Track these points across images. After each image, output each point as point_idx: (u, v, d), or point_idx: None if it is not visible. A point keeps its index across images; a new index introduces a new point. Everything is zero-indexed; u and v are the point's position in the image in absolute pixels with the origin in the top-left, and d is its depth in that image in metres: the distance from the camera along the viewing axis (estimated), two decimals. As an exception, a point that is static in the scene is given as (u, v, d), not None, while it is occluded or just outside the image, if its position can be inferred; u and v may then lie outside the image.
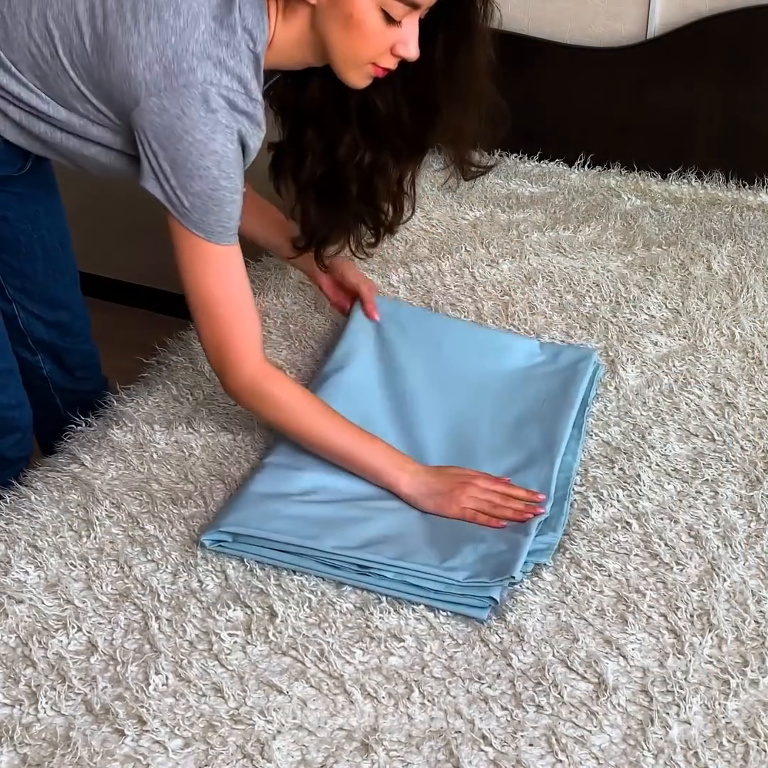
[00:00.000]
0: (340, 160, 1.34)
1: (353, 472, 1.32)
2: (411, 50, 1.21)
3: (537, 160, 2.31)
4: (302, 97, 1.34)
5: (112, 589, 1.19)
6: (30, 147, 1.34)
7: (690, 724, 1.02)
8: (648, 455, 1.37)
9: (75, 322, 1.70)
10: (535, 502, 1.26)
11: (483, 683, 1.06)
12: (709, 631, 1.11)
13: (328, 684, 1.06)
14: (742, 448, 1.39)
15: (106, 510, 1.30)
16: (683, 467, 1.36)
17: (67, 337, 1.69)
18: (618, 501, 1.30)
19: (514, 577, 1.16)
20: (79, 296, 1.70)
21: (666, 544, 1.23)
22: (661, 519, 1.27)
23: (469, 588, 1.15)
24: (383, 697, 1.05)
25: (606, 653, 1.09)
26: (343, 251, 1.47)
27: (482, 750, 1.00)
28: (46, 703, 1.05)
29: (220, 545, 1.24)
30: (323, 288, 1.65)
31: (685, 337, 1.63)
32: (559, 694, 1.05)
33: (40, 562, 1.22)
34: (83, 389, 1.72)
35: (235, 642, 1.12)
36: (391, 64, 1.23)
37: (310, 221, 1.42)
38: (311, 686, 1.06)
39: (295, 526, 1.24)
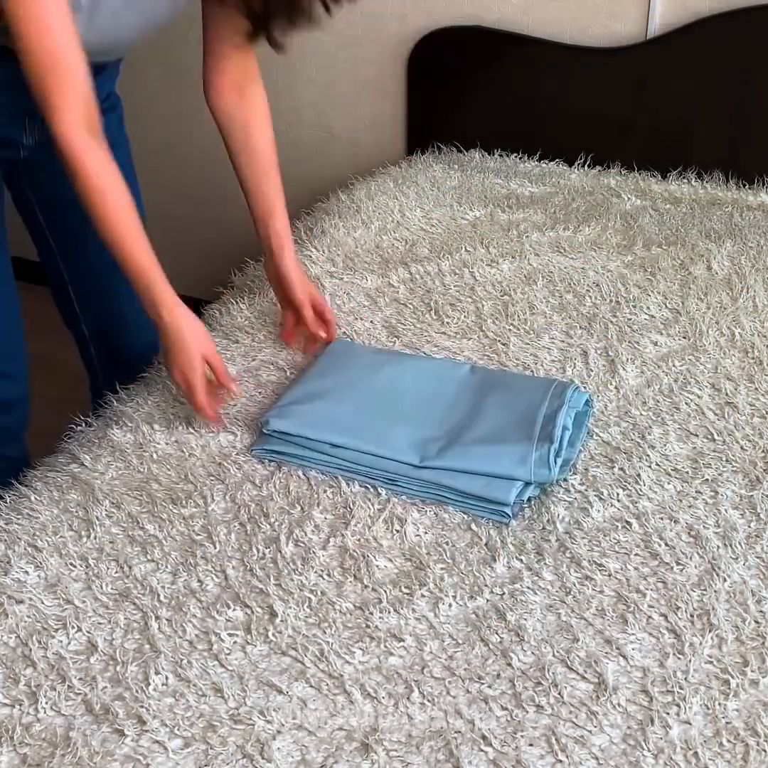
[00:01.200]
0: None
1: (125, 272, 1.36)
2: None
3: (537, 160, 2.32)
4: None
5: (112, 589, 1.19)
6: None
7: (690, 724, 1.01)
8: (648, 455, 1.37)
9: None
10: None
11: (483, 683, 1.06)
12: (709, 631, 1.11)
13: (327, 684, 1.06)
14: (742, 448, 1.39)
15: (106, 510, 1.30)
16: (683, 467, 1.36)
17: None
18: (618, 500, 1.30)
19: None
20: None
21: (666, 544, 1.23)
22: (661, 519, 1.27)
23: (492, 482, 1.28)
24: (383, 697, 1.05)
25: (606, 653, 1.09)
26: (294, 30, 1.40)
27: (482, 750, 0.99)
28: (46, 703, 1.05)
29: (271, 453, 1.39)
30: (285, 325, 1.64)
31: (685, 337, 1.63)
32: (559, 694, 1.05)
33: (40, 562, 1.22)
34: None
35: (234, 642, 1.12)
36: None
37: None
38: (311, 686, 1.06)
39: (335, 422, 1.38)
